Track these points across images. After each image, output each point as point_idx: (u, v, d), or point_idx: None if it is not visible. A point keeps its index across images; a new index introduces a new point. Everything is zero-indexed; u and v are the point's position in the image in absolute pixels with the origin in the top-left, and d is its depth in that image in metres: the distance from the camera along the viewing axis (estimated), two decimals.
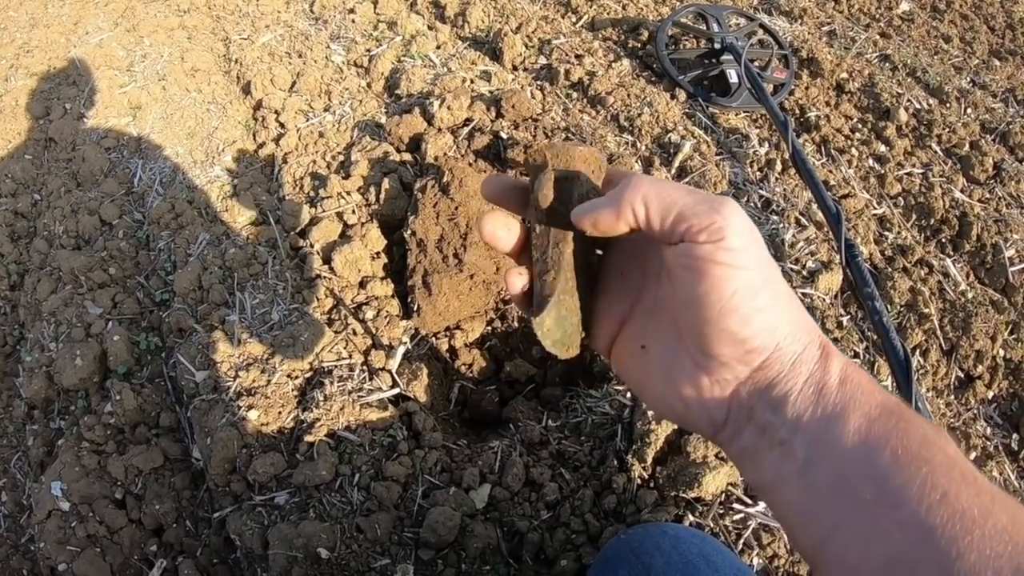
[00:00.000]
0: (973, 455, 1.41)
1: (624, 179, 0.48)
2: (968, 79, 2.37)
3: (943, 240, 1.75)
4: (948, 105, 2.13)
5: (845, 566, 0.42)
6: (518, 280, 0.54)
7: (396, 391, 1.33)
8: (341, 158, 1.79)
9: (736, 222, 0.44)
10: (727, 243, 0.43)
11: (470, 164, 1.66)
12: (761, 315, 0.44)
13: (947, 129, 1.99)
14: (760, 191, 1.78)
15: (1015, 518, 0.39)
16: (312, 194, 1.70)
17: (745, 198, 1.77)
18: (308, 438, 1.21)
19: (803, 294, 1.56)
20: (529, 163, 0.54)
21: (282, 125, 1.93)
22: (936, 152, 1.95)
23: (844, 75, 2.17)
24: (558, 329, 0.52)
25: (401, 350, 1.39)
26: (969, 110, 2.13)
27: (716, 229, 0.43)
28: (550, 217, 0.52)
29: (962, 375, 1.52)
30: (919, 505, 0.39)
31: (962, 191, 1.84)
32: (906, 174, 1.88)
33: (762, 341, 0.44)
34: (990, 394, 1.49)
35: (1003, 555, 0.38)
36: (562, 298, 0.51)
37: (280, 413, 1.25)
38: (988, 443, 1.42)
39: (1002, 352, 1.52)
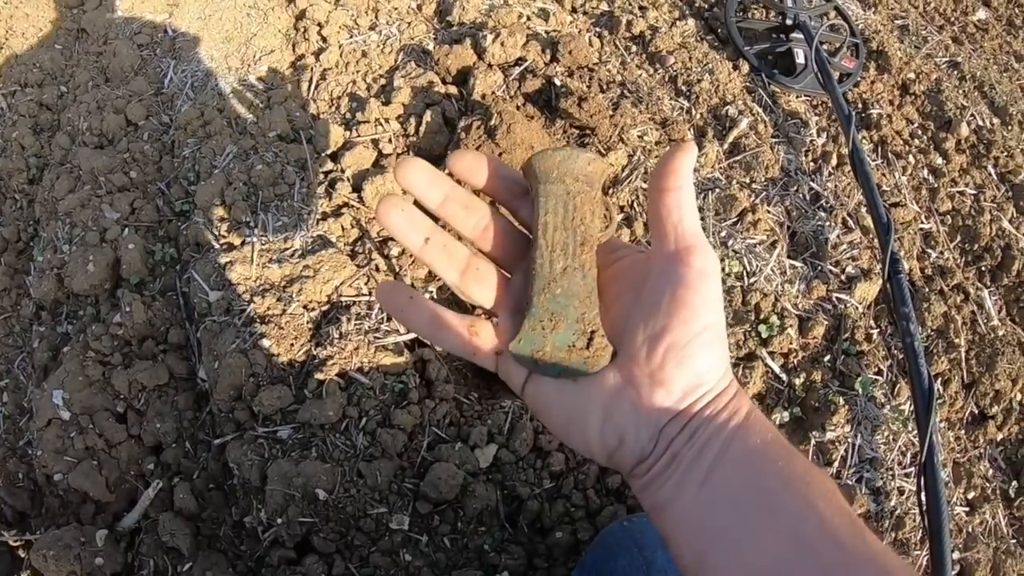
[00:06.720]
0: (972, 495, 1.37)
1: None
2: None
3: (983, 268, 1.66)
4: (1010, 127, 1.98)
5: None
6: (486, 335, 0.55)
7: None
8: (383, 82, 1.69)
9: (718, 269, 0.49)
10: (711, 284, 0.48)
11: (518, 107, 1.55)
12: (719, 359, 0.49)
13: (1005, 153, 1.87)
14: (811, 183, 1.67)
15: (886, 551, 0.43)
16: (348, 116, 1.61)
17: (795, 188, 1.65)
18: (318, 375, 1.16)
19: (837, 299, 1.49)
20: (527, 171, 0.54)
21: (324, 39, 1.83)
22: (991, 175, 1.83)
23: (911, 75, 2.01)
24: (538, 345, 0.51)
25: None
26: None
27: (710, 264, 0.48)
28: (544, 230, 0.52)
29: (977, 412, 1.47)
30: (795, 518, 0.44)
31: (1011, 221, 1.73)
32: (958, 192, 1.77)
33: (711, 379, 0.48)
34: (999, 436, 1.45)
35: None
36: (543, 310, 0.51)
37: (292, 346, 1.20)
38: (988, 485, 1.38)
39: (1020, 396, 1.46)
